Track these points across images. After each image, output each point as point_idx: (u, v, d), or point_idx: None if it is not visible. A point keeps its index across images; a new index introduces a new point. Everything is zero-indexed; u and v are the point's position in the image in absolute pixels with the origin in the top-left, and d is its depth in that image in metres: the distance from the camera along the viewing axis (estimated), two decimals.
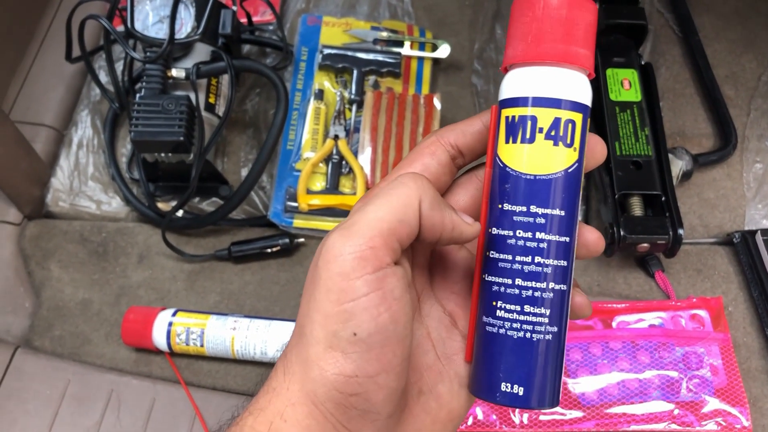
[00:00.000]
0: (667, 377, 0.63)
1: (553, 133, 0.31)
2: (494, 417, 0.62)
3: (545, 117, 0.31)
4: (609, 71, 0.73)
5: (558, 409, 0.62)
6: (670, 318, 0.67)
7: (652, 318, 0.67)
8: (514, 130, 0.32)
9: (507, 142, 0.32)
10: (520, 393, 0.31)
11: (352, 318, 0.29)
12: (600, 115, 0.71)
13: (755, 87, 0.81)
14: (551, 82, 0.31)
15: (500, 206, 0.32)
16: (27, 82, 0.88)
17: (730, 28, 0.85)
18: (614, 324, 0.67)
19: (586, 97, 0.32)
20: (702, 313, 0.66)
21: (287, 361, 0.31)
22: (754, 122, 0.78)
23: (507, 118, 0.32)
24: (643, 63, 0.76)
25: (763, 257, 0.68)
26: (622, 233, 0.65)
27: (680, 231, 0.65)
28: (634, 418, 0.61)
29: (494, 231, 0.32)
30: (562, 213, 0.31)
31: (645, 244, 0.66)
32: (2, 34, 0.86)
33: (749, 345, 0.66)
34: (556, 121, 0.31)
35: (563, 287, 0.32)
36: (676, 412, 0.61)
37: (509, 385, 0.31)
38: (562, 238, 0.31)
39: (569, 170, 0.31)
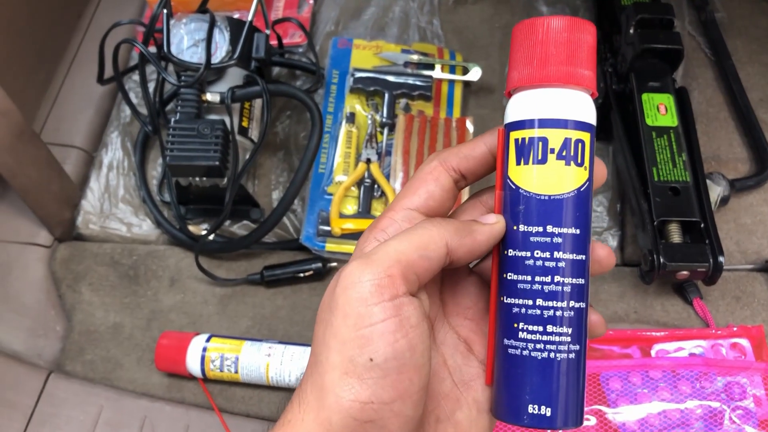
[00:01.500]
0: (710, 408, 0.62)
1: (564, 153, 0.32)
2: None
3: (556, 138, 0.32)
4: (645, 96, 0.72)
5: None
6: (711, 347, 0.66)
7: (691, 347, 0.66)
8: (524, 151, 0.32)
9: (518, 163, 0.32)
10: (548, 414, 0.31)
11: (368, 343, 0.29)
12: (637, 140, 0.70)
13: None
14: (560, 104, 0.32)
15: (515, 228, 0.33)
16: (57, 103, 0.88)
17: (763, 51, 0.84)
18: (653, 352, 0.66)
19: (592, 117, 0.33)
20: (743, 342, 0.66)
21: (302, 392, 0.31)
22: None
23: (516, 140, 0.33)
24: (677, 87, 0.75)
25: None
26: (662, 261, 0.64)
27: (720, 258, 0.64)
28: None
29: (510, 253, 0.33)
30: (578, 231, 0.32)
31: (685, 272, 0.65)
32: (33, 56, 0.87)
33: None
34: (567, 142, 0.32)
35: (582, 305, 0.32)
36: None
37: (536, 406, 0.32)
38: (579, 256, 0.32)
39: (581, 189, 0.32)
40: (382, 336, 0.29)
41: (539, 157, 0.32)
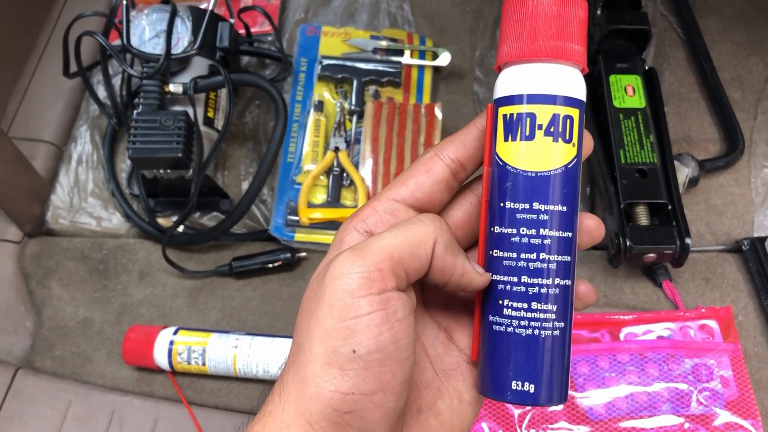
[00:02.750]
0: (677, 390, 0.62)
1: (552, 130, 0.31)
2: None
3: (544, 114, 0.31)
4: (612, 78, 0.71)
5: (565, 424, 0.61)
6: (679, 329, 0.65)
7: (660, 329, 0.65)
8: (512, 127, 0.32)
9: (506, 140, 0.32)
10: (531, 390, 0.31)
11: (352, 335, 0.29)
12: (604, 122, 0.70)
13: (762, 89, 0.79)
14: (548, 79, 0.31)
15: (501, 204, 0.32)
16: (26, 97, 0.87)
17: (735, 29, 0.83)
18: (622, 336, 0.66)
19: (581, 92, 0.32)
20: (711, 323, 0.65)
21: (283, 382, 0.31)
22: (762, 126, 0.77)
23: (504, 116, 0.32)
24: (646, 68, 0.74)
25: None
26: (628, 243, 0.64)
27: (687, 240, 0.64)
28: None
29: (497, 230, 0.32)
30: (564, 209, 0.31)
31: (652, 255, 0.65)
32: (1, 51, 0.86)
33: (760, 355, 0.65)
34: (555, 118, 0.31)
35: (568, 282, 0.32)
36: (686, 425, 0.60)
37: (520, 383, 0.31)
38: (565, 234, 0.32)
39: (569, 166, 0.32)
40: (366, 328, 0.29)
41: (527, 133, 0.31)
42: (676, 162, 0.70)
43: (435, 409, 0.33)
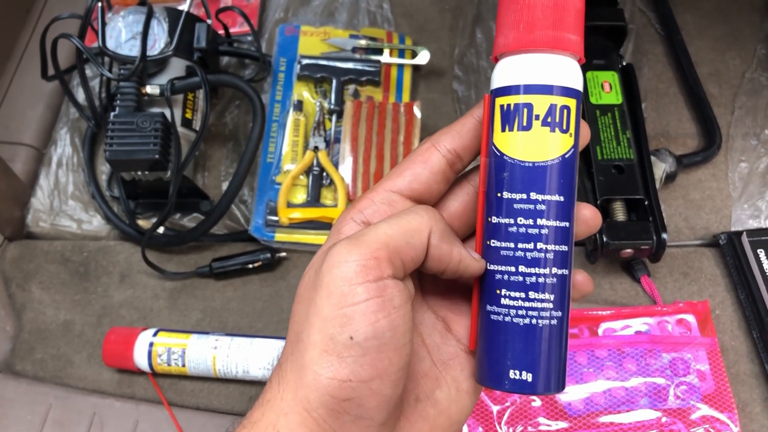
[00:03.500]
0: (654, 384, 0.62)
1: (549, 120, 0.31)
2: (480, 429, 0.61)
3: (541, 104, 0.31)
4: (589, 74, 0.72)
5: (544, 420, 0.61)
6: (657, 324, 0.66)
7: (638, 324, 0.66)
8: (509, 118, 0.32)
9: (503, 130, 0.32)
10: (529, 379, 0.32)
11: (350, 322, 0.29)
12: None
13: (739, 84, 0.80)
14: (545, 69, 0.31)
15: (498, 195, 0.32)
16: (5, 100, 0.87)
17: (712, 25, 0.84)
18: (600, 331, 0.66)
19: (578, 82, 0.32)
20: (689, 317, 0.66)
21: (282, 370, 0.31)
22: (739, 120, 0.77)
23: (502, 106, 0.32)
24: (624, 64, 0.75)
25: (749, 259, 0.67)
26: (604, 239, 0.64)
27: (664, 235, 0.64)
28: (622, 428, 0.60)
29: (494, 220, 0.32)
30: (561, 198, 0.31)
31: (628, 250, 0.65)
32: None
33: (737, 349, 0.65)
34: (552, 108, 0.31)
35: (565, 272, 0.32)
36: (663, 419, 0.61)
37: (518, 372, 0.32)
38: (562, 223, 0.32)
39: (566, 156, 0.32)
40: (363, 315, 0.29)
41: (524, 124, 0.31)
42: (653, 157, 0.70)
43: (433, 399, 0.34)
